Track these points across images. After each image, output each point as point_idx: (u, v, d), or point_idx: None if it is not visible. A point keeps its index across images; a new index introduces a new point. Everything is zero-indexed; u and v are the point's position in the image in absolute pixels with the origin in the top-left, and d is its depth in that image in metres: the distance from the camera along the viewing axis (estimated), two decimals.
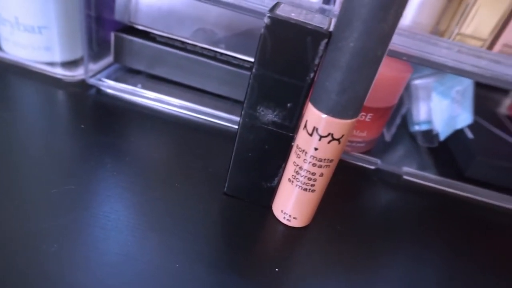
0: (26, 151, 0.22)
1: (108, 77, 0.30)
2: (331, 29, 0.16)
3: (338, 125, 0.17)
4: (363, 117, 0.26)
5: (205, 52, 0.30)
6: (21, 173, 0.21)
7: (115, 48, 0.30)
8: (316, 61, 0.17)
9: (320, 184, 0.20)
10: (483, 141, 0.30)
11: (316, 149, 0.18)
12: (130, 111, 0.28)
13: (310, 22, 0.16)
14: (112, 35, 0.30)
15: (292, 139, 0.19)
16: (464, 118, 0.30)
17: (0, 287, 0.15)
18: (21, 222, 0.18)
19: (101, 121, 0.27)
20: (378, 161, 0.28)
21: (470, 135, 0.30)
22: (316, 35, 0.16)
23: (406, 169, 0.28)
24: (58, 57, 0.29)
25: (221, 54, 0.30)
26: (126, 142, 0.25)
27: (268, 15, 0.16)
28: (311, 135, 0.18)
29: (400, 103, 0.30)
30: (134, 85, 0.30)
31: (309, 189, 0.20)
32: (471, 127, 0.31)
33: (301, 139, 0.19)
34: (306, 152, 0.19)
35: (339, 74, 0.16)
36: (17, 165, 0.21)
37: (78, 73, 0.29)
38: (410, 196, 0.27)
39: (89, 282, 0.16)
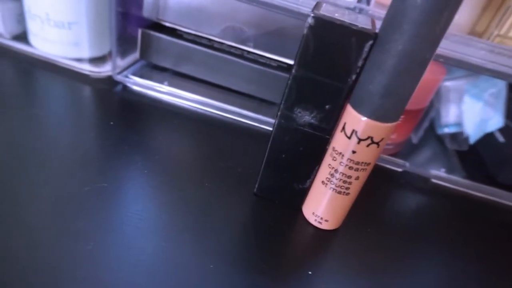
0: (56, 147, 0.22)
1: (135, 74, 0.30)
2: (375, 30, 0.16)
3: (378, 129, 0.17)
4: None
5: (232, 50, 0.29)
6: (52, 170, 0.21)
7: (141, 45, 0.30)
8: (360, 63, 0.16)
9: (355, 187, 0.19)
10: None
11: (354, 152, 0.18)
12: (156, 108, 0.28)
13: (355, 23, 0.16)
14: (139, 32, 0.30)
15: (328, 141, 0.19)
16: (495, 121, 0.29)
17: (34, 285, 0.15)
18: (55, 220, 0.18)
19: (129, 118, 0.27)
20: (406, 164, 0.28)
21: (501, 138, 0.29)
22: (361, 36, 0.16)
23: (434, 172, 0.28)
24: (86, 53, 0.29)
25: (249, 52, 0.29)
26: (154, 140, 0.25)
27: (312, 15, 0.16)
28: (349, 137, 0.18)
29: (430, 105, 0.29)
30: (161, 82, 0.29)
31: (344, 192, 0.19)
32: (502, 130, 0.30)
33: (338, 141, 0.18)
34: (343, 155, 0.18)
35: (384, 77, 0.16)
36: (48, 162, 0.21)
37: (105, 70, 0.29)
38: (438, 199, 0.27)
39: (122, 281, 0.16)
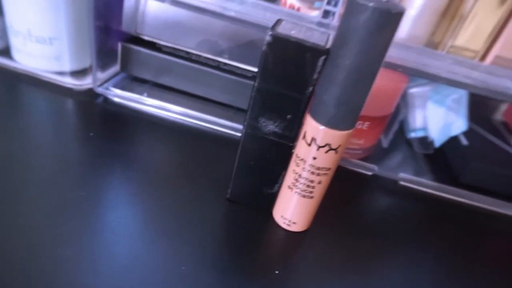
0: (39, 158, 0.23)
1: (115, 86, 0.31)
2: (329, 45, 0.17)
3: (335, 136, 0.18)
4: (360, 125, 0.27)
5: (209, 62, 0.31)
6: (35, 179, 0.22)
7: (122, 58, 0.31)
8: (315, 76, 0.18)
9: (318, 191, 0.21)
10: (477, 147, 0.31)
11: (314, 158, 0.19)
12: (136, 119, 0.29)
13: (309, 40, 0.17)
14: (119, 45, 0.31)
15: (292, 148, 0.20)
16: (459, 125, 0.31)
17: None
18: (36, 227, 0.19)
19: (109, 129, 0.28)
20: (375, 167, 0.29)
21: (464, 141, 0.31)
22: (314, 52, 0.17)
23: (402, 175, 0.29)
24: (67, 67, 0.30)
25: (225, 64, 0.31)
26: (133, 149, 0.26)
27: (270, 33, 0.17)
28: (309, 145, 0.19)
29: (397, 110, 0.31)
30: (140, 93, 0.31)
31: (308, 195, 0.21)
32: (466, 133, 0.32)
33: (301, 148, 0.20)
34: (305, 161, 0.20)
35: (336, 88, 0.17)
36: (31, 172, 0.22)
37: (86, 82, 0.30)
38: (406, 201, 0.28)
39: (100, 285, 0.17)
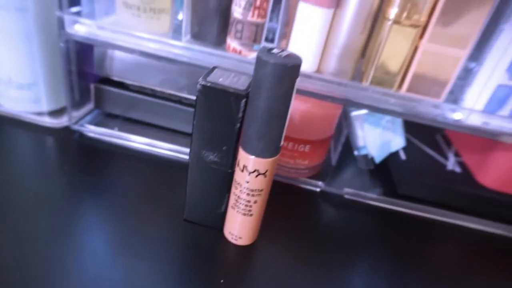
0: (19, 190, 0.27)
1: (90, 122, 0.35)
2: (248, 90, 0.21)
3: (261, 163, 0.22)
4: (302, 148, 0.31)
5: (171, 97, 0.35)
6: (15, 209, 0.25)
7: (95, 97, 0.35)
8: (240, 115, 0.22)
9: (256, 209, 0.24)
10: (414, 161, 0.35)
11: (247, 182, 0.23)
12: (108, 151, 0.33)
13: (233, 86, 0.21)
14: (92, 86, 0.35)
15: (231, 174, 0.24)
16: (397, 142, 0.34)
17: None
18: (14, 251, 0.22)
19: (84, 162, 0.31)
20: (321, 184, 0.33)
21: (403, 156, 0.35)
22: (236, 96, 0.21)
23: (347, 189, 0.33)
24: (45, 107, 0.34)
25: (185, 98, 0.35)
26: (104, 179, 0.30)
27: (200, 83, 0.21)
28: (243, 171, 0.23)
29: (340, 130, 0.35)
30: (112, 128, 0.34)
31: (248, 213, 0.24)
32: (406, 149, 0.35)
33: (237, 174, 0.23)
34: (241, 185, 0.23)
35: (255, 125, 0.21)
36: (11, 202, 0.26)
37: (63, 121, 0.34)
38: (351, 214, 0.32)
39: None
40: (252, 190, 0.23)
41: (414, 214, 0.33)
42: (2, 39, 0.30)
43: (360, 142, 0.35)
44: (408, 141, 0.37)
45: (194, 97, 0.34)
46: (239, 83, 0.22)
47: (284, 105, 0.20)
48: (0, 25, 0.29)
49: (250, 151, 0.22)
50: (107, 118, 0.36)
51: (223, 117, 0.22)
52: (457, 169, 0.35)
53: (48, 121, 0.34)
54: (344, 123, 0.35)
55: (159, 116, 0.35)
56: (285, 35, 0.28)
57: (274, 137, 0.21)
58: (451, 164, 0.35)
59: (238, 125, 0.22)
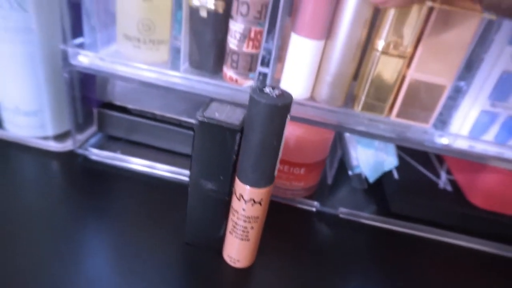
0: (26, 213, 0.28)
1: (94, 145, 0.36)
2: (242, 124, 0.23)
3: (256, 193, 0.23)
4: (298, 171, 0.32)
5: (171, 120, 0.36)
6: (22, 231, 0.26)
7: (98, 121, 0.37)
8: (235, 148, 0.23)
9: (253, 235, 0.25)
10: (407, 180, 0.36)
11: (244, 209, 0.24)
12: (111, 174, 0.34)
13: (229, 120, 0.23)
14: (95, 111, 0.36)
15: (228, 201, 0.25)
16: (390, 161, 0.35)
17: None
18: (22, 273, 0.24)
19: (87, 185, 0.33)
20: (317, 204, 0.34)
21: (396, 176, 0.36)
22: (231, 131, 0.22)
23: (341, 209, 0.34)
24: (50, 132, 0.35)
25: (185, 121, 0.36)
26: (107, 203, 0.31)
27: (198, 118, 0.22)
28: (239, 200, 0.24)
29: (335, 151, 0.36)
30: (115, 151, 0.36)
31: (245, 238, 0.25)
32: (399, 167, 0.36)
33: (234, 202, 0.24)
34: (238, 212, 0.24)
35: (250, 158, 0.22)
36: (19, 225, 0.27)
37: (67, 144, 0.35)
38: (346, 233, 0.33)
39: None
40: (248, 217, 0.24)
41: (407, 232, 0.34)
42: (9, 70, 0.31)
43: (354, 162, 0.36)
44: (401, 158, 0.38)
45: (193, 120, 0.36)
46: (234, 117, 0.23)
47: (276, 140, 0.21)
48: (7, 57, 0.31)
49: (245, 182, 0.23)
50: (109, 141, 0.38)
51: (219, 149, 0.23)
52: (449, 188, 0.36)
53: (53, 145, 0.35)
54: (338, 144, 0.36)
55: (160, 139, 0.36)
56: (280, 58, 0.30)
57: (268, 169, 0.23)
58: (442, 182, 0.36)
59: (234, 156, 0.23)
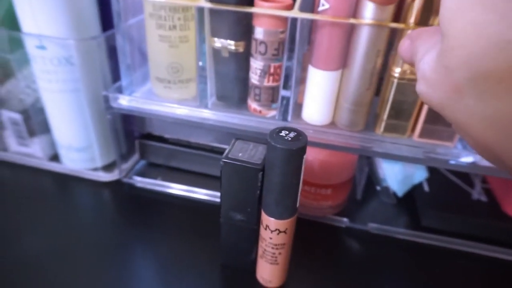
0: (79, 241, 0.32)
1: (137, 172, 0.40)
2: (264, 163, 0.24)
3: (281, 224, 0.25)
4: (324, 191, 0.33)
5: (204, 147, 0.39)
6: (77, 259, 0.31)
7: (140, 150, 0.40)
8: (259, 184, 0.25)
9: (281, 259, 0.27)
10: (438, 192, 0.36)
11: (271, 238, 0.26)
12: (154, 199, 0.38)
13: (251, 160, 0.25)
14: (137, 142, 0.40)
15: (257, 230, 0.27)
16: (419, 174, 0.36)
17: None
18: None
19: (133, 211, 0.36)
20: (346, 220, 0.35)
21: (426, 188, 0.36)
22: (254, 170, 0.24)
23: (371, 225, 0.35)
24: (99, 163, 0.39)
25: (216, 147, 0.38)
26: (150, 227, 0.34)
27: (223, 160, 0.25)
28: (266, 229, 0.26)
29: (363, 168, 0.37)
30: (156, 177, 0.39)
31: (274, 262, 0.27)
32: (430, 178, 0.36)
33: (262, 231, 0.27)
34: (266, 240, 0.26)
35: (272, 195, 0.24)
36: (73, 250, 0.31)
37: (114, 174, 0.39)
38: (376, 248, 0.34)
39: None
40: (275, 245, 0.26)
41: (439, 245, 0.34)
42: (61, 114, 0.36)
43: (380, 177, 0.36)
44: (433, 169, 0.38)
45: (223, 146, 0.38)
46: (256, 157, 0.25)
47: (295, 178, 0.23)
48: (59, 103, 0.35)
49: (270, 214, 0.25)
50: (151, 168, 0.41)
51: (244, 186, 0.25)
52: (483, 198, 0.35)
53: (102, 175, 0.39)
54: (365, 161, 0.37)
55: (195, 164, 0.39)
56: (302, 80, 0.31)
57: (289, 203, 0.24)
58: (476, 192, 0.36)
59: (258, 192, 0.25)
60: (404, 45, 0.17)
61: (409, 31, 0.26)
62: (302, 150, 0.22)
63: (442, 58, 0.13)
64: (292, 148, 0.22)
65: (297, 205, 0.25)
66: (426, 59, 0.14)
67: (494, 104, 0.12)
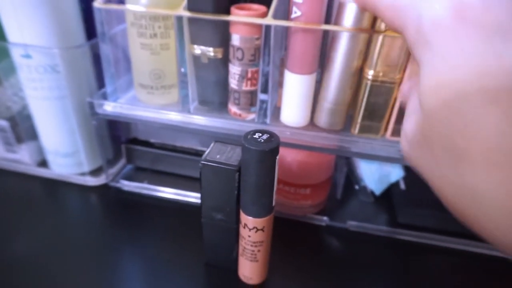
0: (67, 244, 0.33)
1: (124, 176, 0.41)
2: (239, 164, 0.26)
3: (258, 222, 0.26)
4: (304, 191, 0.35)
5: (189, 150, 0.40)
6: (65, 262, 0.31)
7: (126, 155, 0.41)
8: (236, 184, 0.26)
9: (261, 256, 0.28)
10: (413, 190, 0.37)
11: (249, 236, 0.27)
12: (140, 202, 0.39)
13: (228, 161, 0.26)
14: (123, 147, 0.41)
15: (237, 229, 0.28)
16: (396, 173, 0.37)
17: None
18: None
19: (120, 214, 0.37)
20: (326, 219, 0.36)
21: (403, 186, 0.37)
22: (231, 171, 0.25)
23: (350, 222, 0.36)
24: (86, 168, 0.40)
25: (201, 150, 0.40)
26: (137, 230, 0.35)
27: (202, 161, 0.26)
28: (244, 228, 0.27)
29: (340, 169, 0.38)
30: (142, 181, 0.40)
31: (254, 260, 0.29)
32: (406, 178, 0.38)
33: (241, 230, 0.28)
34: (245, 238, 0.28)
35: (248, 195, 0.25)
36: (62, 254, 0.32)
37: (101, 178, 0.40)
38: (356, 245, 0.35)
39: None
40: (254, 242, 0.27)
41: (415, 241, 0.35)
42: (48, 120, 0.37)
43: (358, 177, 0.38)
44: (409, 169, 0.39)
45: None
46: (233, 158, 0.26)
47: (269, 178, 0.24)
48: (45, 110, 0.36)
49: (247, 213, 0.26)
50: (137, 172, 0.42)
51: (223, 186, 0.26)
52: None
53: (90, 180, 0.40)
54: (344, 161, 0.38)
55: (180, 167, 0.40)
56: (281, 83, 0.32)
57: (265, 202, 0.26)
58: None
59: (236, 192, 0.26)
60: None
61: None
62: (275, 151, 0.23)
63: (421, 127, 0.14)
64: (264, 149, 0.23)
65: (273, 203, 0.26)
66: (411, 119, 0.15)
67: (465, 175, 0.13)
